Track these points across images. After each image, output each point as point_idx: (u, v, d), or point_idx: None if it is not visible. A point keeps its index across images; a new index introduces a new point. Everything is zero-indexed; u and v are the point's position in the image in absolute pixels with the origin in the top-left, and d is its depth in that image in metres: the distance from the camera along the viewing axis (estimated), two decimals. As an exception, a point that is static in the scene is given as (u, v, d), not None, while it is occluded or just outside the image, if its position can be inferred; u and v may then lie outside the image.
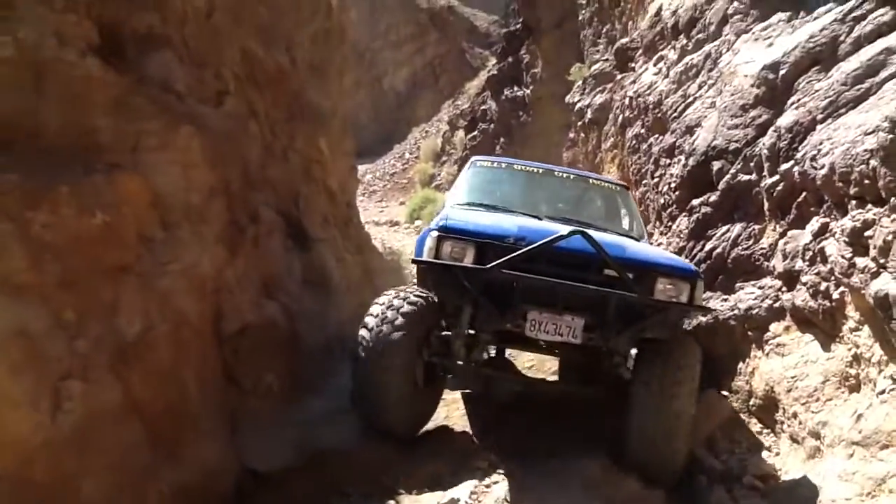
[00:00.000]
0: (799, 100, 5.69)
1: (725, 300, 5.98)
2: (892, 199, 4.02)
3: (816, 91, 5.51)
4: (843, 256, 4.52)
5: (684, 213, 6.95)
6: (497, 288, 4.63)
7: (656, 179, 8.10)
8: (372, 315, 4.81)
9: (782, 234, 5.52)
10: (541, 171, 6.58)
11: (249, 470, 4.27)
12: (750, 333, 5.72)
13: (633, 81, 10.12)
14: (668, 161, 7.76)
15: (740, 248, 6.03)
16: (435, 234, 4.70)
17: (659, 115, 8.40)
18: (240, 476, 4.17)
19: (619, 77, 11.29)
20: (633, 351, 5.23)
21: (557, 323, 4.58)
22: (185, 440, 3.78)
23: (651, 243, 6.30)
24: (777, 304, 5.53)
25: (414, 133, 32.43)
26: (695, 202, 6.74)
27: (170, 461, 3.60)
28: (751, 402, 5.63)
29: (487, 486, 4.41)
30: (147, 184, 3.81)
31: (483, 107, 23.48)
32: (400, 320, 4.68)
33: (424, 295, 4.98)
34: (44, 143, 3.38)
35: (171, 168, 4.11)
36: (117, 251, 3.43)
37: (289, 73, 7.25)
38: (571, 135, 14.17)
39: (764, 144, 5.86)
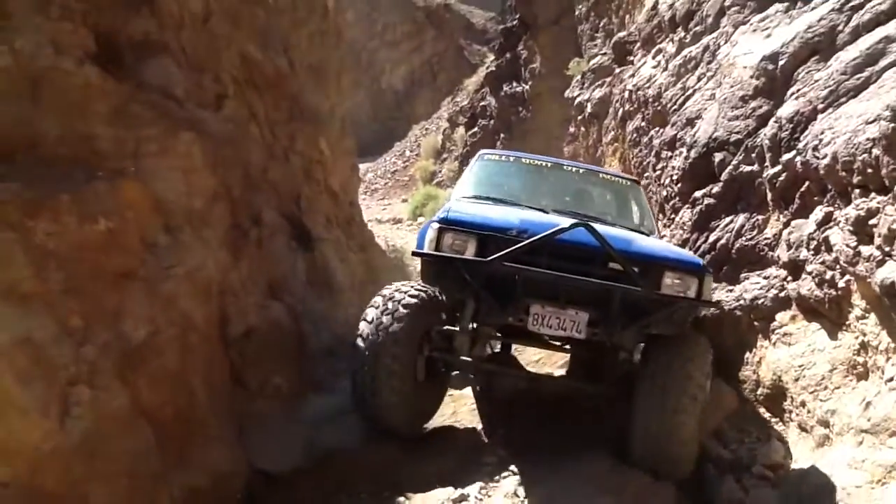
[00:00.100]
0: (799, 90, 5.68)
1: (731, 291, 5.96)
2: (896, 187, 4.01)
3: (816, 81, 5.49)
4: (847, 245, 4.51)
5: (687, 206, 6.94)
6: (499, 281, 4.53)
7: (658, 172, 8.09)
8: (372, 308, 4.75)
9: (786, 224, 5.51)
10: (549, 164, 6.48)
11: (259, 471, 4.28)
12: (756, 323, 5.71)
13: (632, 75, 10.12)
14: (669, 154, 7.75)
15: (744, 238, 6.01)
16: (436, 225, 4.61)
17: (659, 107, 8.39)
18: (249, 478, 4.17)
19: (617, 71, 11.29)
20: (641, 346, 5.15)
21: (561, 317, 4.51)
22: (193, 444, 3.78)
23: (661, 238, 6.16)
24: (783, 294, 5.52)
25: (414, 131, 32.49)
26: (697, 194, 6.72)
27: (179, 465, 3.61)
28: (758, 392, 5.63)
29: (497, 482, 4.42)
30: (148, 190, 3.81)
31: (482, 103, 23.50)
32: (400, 314, 4.63)
33: (425, 289, 4.92)
34: (43, 152, 3.39)
35: (171, 173, 4.12)
36: (121, 257, 3.43)
37: (287, 75, 7.25)
38: (571, 129, 14.16)
39: (765, 135, 5.85)
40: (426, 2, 36.85)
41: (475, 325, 4.91)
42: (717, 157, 6.46)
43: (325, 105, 9.21)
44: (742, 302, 5.80)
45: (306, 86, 8.10)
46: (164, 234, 3.88)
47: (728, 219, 6.27)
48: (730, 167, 6.30)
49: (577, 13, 15.33)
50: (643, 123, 9.14)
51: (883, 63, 4.92)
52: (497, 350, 6.20)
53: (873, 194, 4.34)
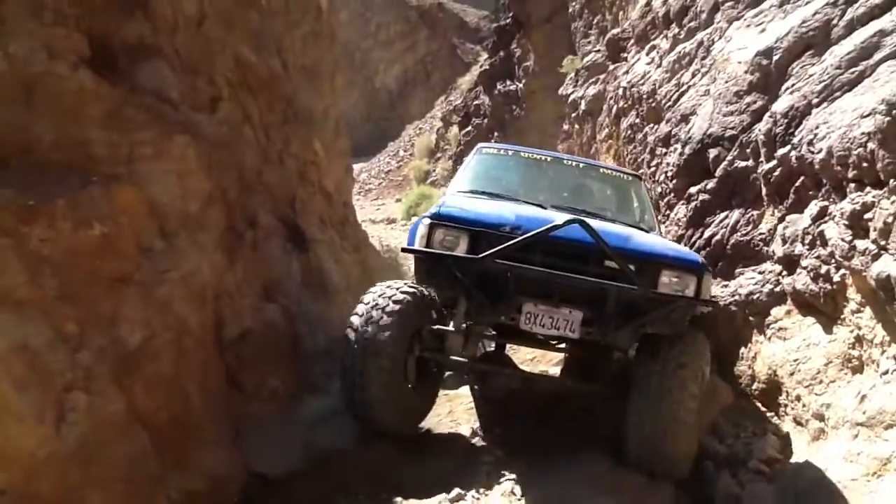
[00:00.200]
0: (793, 85, 5.69)
1: (726, 286, 5.98)
2: (892, 181, 4.02)
3: (811, 75, 5.51)
4: (843, 239, 4.52)
5: (682, 202, 6.96)
6: (492, 279, 4.42)
7: (653, 169, 8.11)
8: (358, 313, 4.64)
9: (781, 219, 5.52)
10: (549, 159, 6.37)
11: (256, 474, 4.27)
12: (751, 319, 5.73)
13: (626, 72, 10.14)
14: (664, 150, 7.77)
15: (739, 234, 6.03)
16: (427, 221, 4.51)
17: (653, 104, 8.41)
18: (246, 481, 4.17)
19: (611, 68, 11.31)
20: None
21: (554, 316, 4.41)
22: (190, 448, 3.78)
23: (662, 235, 6.06)
24: (778, 289, 5.54)
25: (408, 130, 32.48)
26: (692, 190, 6.74)
27: (176, 470, 3.61)
28: (753, 387, 5.65)
29: (494, 482, 4.41)
30: (143, 194, 3.81)
31: (476, 102, 23.50)
32: (387, 318, 4.52)
33: (416, 288, 4.82)
34: (38, 157, 3.38)
35: (166, 177, 4.11)
36: (116, 262, 3.43)
37: (281, 76, 7.23)
38: (566, 127, 14.18)
39: (760, 130, 5.86)
40: (419, 1, 36.81)
41: (467, 325, 4.80)
42: (712, 152, 6.47)
43: (319, 106, 9.20)
44: (737, 297, 5.82)
45: (300, 87, 8.08)
46: (159, 239, 3.87)
47: (723, 214, 6.29)
48: (724, 163, 6.31)
49: (570, 10, 15.34)
50: (637, 120, 9.16)
51: (877, 57, 4.93)
52: (491, 349, 6.10)
53: (868, 188, 4.35)
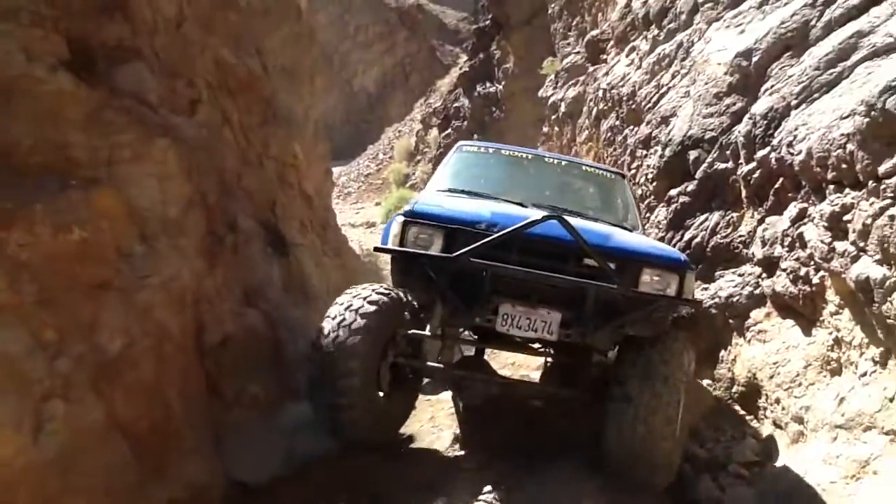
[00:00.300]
0: (773, 86, 5.74)
1: (706, 289, 6.01)
2: (871, 182, 4.05)
3: (790, 77, 5.55)
4: (822, 241, 4.55)
5: (662, 204, 6.99)
6: (468, 279, 4.24)
7: (633, 171, 8.15)
8: (329, 317, 4.49)
9: (760, 221, 5.56)
10: (530, 156, 6.23)
11: (237, 482, 4.23)
12: (731, 321, 5.76)
13: (606, 73, 10.18)
14: (644, 152, 7.81)
15: (719, 236, 6.07)
16: (401, 219, 4.36)
17: (633, 106, 8.45)
18: (227, 489, 4.12)
19: (591, 69, 11.36)
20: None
21: (531, 317, 4.25)
22: (170, 456, 3.73)
23: (646, 234, 5.98)
24: (757, 291, 5.58)
25: (387, 133, 32.44)
26: (672, 192, 6.77)
27: (156, 478, 3.56)
28: (733, 390, 5.68)
29: (475, 488, 4.37)
30: (123, 198, 3.75)
31: (456, 104, 23.53)
32: (359, 322, 4.37)
33: (390, 291, 4.68)
34: (15, 161, 3.32)
35: (146, 181, 4.05)
36: (96, 267, 3.37)
37: (261, 78, 7.18)
38: (545, 129, 14.22)
39: (739, 132, 5.90)
40: (398, 3, 36.78)
41: (443, 329, 4.63)
42: (692, 154, 6.51)
43: (298, 108, 9.15)
44: (717, 300, 5.85)
45: (280, 89, 8.03)
46: (139, 243, 3.81)
47: (703, 216, 6.33)
48: (704, 165, 6.35)
49: (549, 12, 15.40)
50: (617, 122, 9.20)
51: (855, 58, 4.98)
52: (469, 354, 5.85)
53: (847, 190, 4.38)
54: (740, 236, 5.89)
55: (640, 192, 7.78)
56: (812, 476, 4.27)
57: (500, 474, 4.53)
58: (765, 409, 5.26)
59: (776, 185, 5.36)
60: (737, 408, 5.66)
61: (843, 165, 4.37)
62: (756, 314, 5.55)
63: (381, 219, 19.83)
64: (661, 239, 6.73)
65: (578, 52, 12.68)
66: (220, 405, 4.58)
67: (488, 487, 4.35)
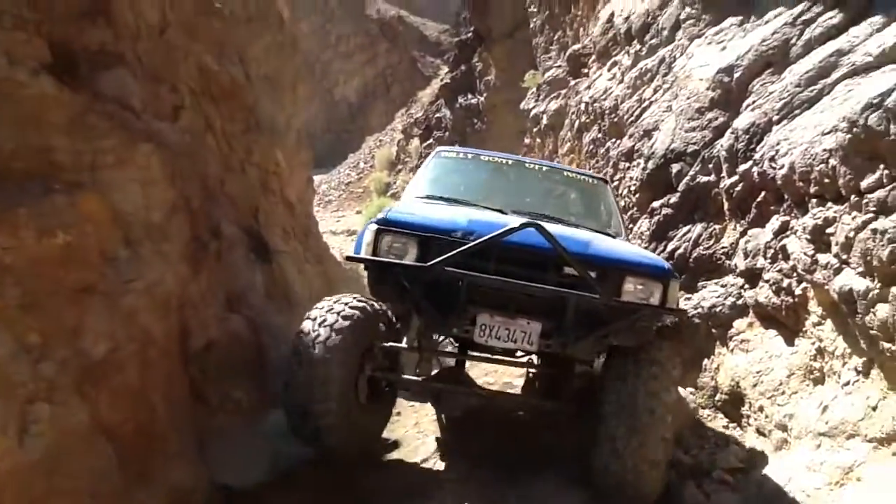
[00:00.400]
0: (754, 102, 5.82)
1: (689, 299, 6.05)
2: (853, 196, 4.12)
3: (771, 93, 5.64)
4: (805, 253, 4.61)
5: (645, 216, 7.04)
6: (444, 289, 4.08)
7: (616, 182, 8.20)
8: (304, 331, 4.30)
9: (743, 233, 5.62)
10: (510, 162, 6.02)
11: (221, 487, 4.19)
12: (714, 331, 5.81)
13: (588, 87, 10.27)
14: (627, 165, 7.87)
15: (701, 247, 6.12)
16: (374, 227, 4.20)
17: (615, 119, 8.52)
18: (212, 494, 4.08)
19: (573, 83, 11.44)
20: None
21: (511, 328, 4.09)
22: (154, 460, 3.69)
23: (630, 240, 5.83)
24: (740, 302, 5.62)
25: (368, 142, 32.50)
26: (655, 204, 6.82)
27: (140, 482, 3.51)
28: (716, 398, 5.72)
29: (460, 499, 4.35)
30: (107, 202, 3.71)
31: (437, 115, 23.61)
32: (335, 336, 4.18)
33: (366, 302, 4.49)
34: (-2, 165, 3.28)
35: (130, 186, 4.01)
36: (80, 271, 3.34)
37: (243, 85, 7.17)
38: (527, 141, 14.29)
39: (722, 146, 5.98)
40: (380, 14, 36.93)
41: (419, 341, 4.55)
42: (675, 167, 6.57)
43: (281, 116, 9.15)
44: (700, 310, 5.89)
45: (262, 97, 8.03)
46: (123, 248, 3.78)
47: (685, 228, 6.38)
48: (687, 178, 6.41)
49: (531, 26, 15.50)
50: (600, 135, 9.26)
51: (835, 75, 5.06)
52: (449, 365, 5.66)
53: (830, 203, 4.45)
54: (722, 248, 5.94)
55: (622, 203, 7.83)
56: (796, 483, 4.29)
57: (483, 486, 4.48)
58: (748, 416, 5.30)
59: (758, 199, 5.42)
60: (719, 416, 5.70)
61: (826, 180, 4.44)
62: (739, 324, 5.60)
63: (361, 227, 19.80)
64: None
65: (560, 66, 12.77)
66: (205, 410, 4.55)
67: (467, 486, 4.35)
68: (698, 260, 6.12)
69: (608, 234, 5.22)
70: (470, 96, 20.71)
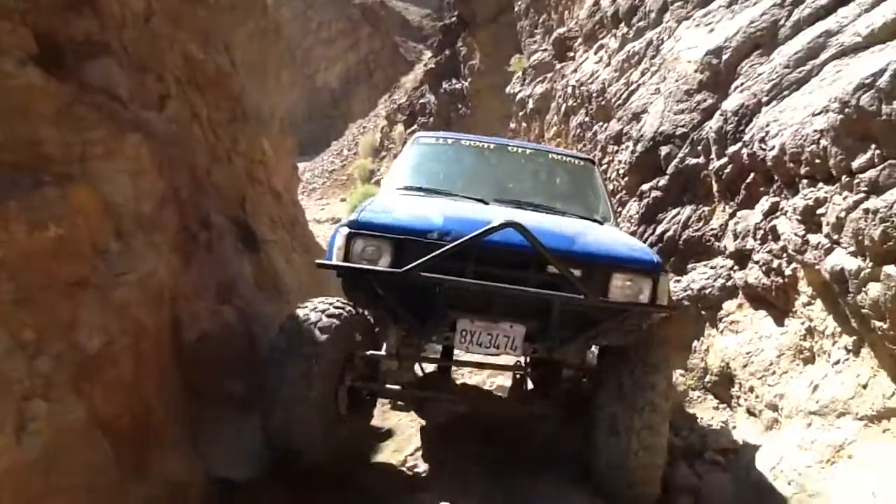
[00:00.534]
0: (743, 83, 5.83)
1: (678, 281, 6.10)
2: (844, 177, 4.14)
3: (760, 74, 5.65)
4: (796, 234, 4.64)
5: (634, 199, 7.06)
6: (422, 293, 3.88)
7: (605, 166, 8.21)
8: (278, 344, 4.08)
9: (732, 215, 5.65)
10: (492, 146, 5.74)
11: (217, 479, 4.18)
12: (703, 312, 5.85)
13: (575, 70, 10.26)
14: (615, 148, 7.88)
15: (691, 229, 6.15)
16: (345, 230, 3.99)
17: (603, 102, 8.52)
18: (207, 486, 4.07)
19: (559, 66, 11.42)
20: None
21: (493, 332, 3.87)
22: (150, 454, 3.67)
23: (618, 224, 5.63)
24: (730, 283, 5.67)
25: (351, 129, 32.38)
26: (644, 187, 6.84)
27: (137, 476, 3.50)
28: (706, 380, 5.77)
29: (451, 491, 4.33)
30: (98, 194, 3.67)
31: (422, 100, 23.55)
32: (316, 340, 3.97)
33: (345, 307, 4.23)
34: (-14, 158, 3.23)
35: (120, 177, 3.96)
36: (73, 264, 3.30)
37: (229, 73, 7.11)
38: (513, 125, 14.29)
39: (711, 128, 5.99)
40: (361, -1, 36.70)
41: (397, 349, 4.33)
42: (664, 150, 6.58)
43: (266, 104, 9.10)
44: (690, 292, 5.93)
45: (247, 85, 7.96)
46: (114, 240, 3.73)
47: (675, 211, 6.41)
48: (676, 160, 6.43)
49: (515, 10, 15.47)
50: (587, 118, 9.27)
51: (824, 56, 5.08)
52: (432, 369, 5.49)
53: (821, 184, 4.47)
54: (712, 230, 5.97)
55: (611, 187, 7.85)
56: (787, 462, 4.33)
57: (469, 482, 4.38)
58: (738, 397, 5.36)
59: (748, 180, 5.44)
60: (710, 397, 5.75)
61: (817, 160, 4.45)
62: (728, 305, 5.65)
63: (346, 215, 19.75)
64: (633, 233, 6.77)
65: (546, 50, 12.75)
66: (198, 402, 4.52)
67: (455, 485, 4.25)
68: (688, 242, 6.15)
69: (596, 221, 5.03)
70: (454, 81, 20.67)
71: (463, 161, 5.60)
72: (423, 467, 4.77)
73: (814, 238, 4.45)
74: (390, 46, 35.86)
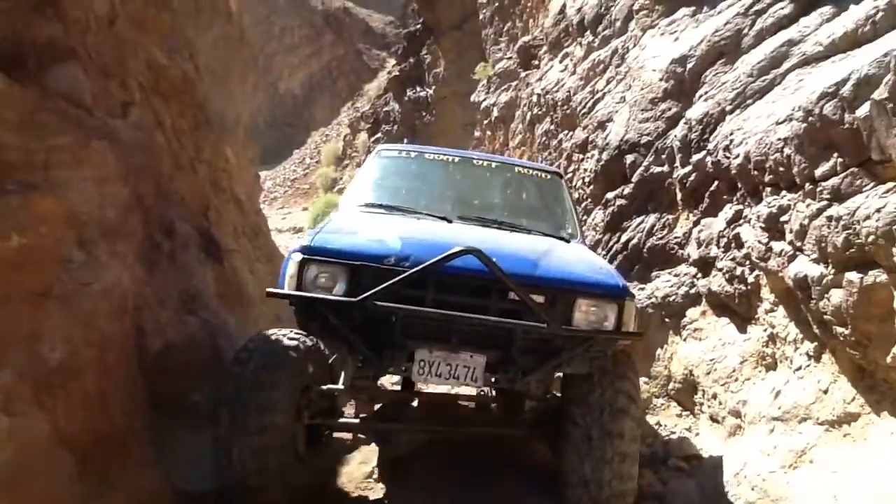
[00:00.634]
0: (707, 92, 5.91)
1: (642, 289, 6.14)
2: (807, 184, 4.20)
3: (724, 83, 5.73)
4: (759, 241, 4.70)
5: (599, 207, 7.11)
6: (379, 322, 3.74)
7: (570, 174, 8.27)
8: (233, 373, 3.89)
9: (696, 223, 5.71)
10: (457, 159, 5.58)
11: (181, 492, 4.11)
12: (667, 320, 5.91)
13: (540, 79, 10.31)
14: (581, 156, 7.93)
15: (655, 237, 6.21)
16: (298, 256, 3.79)
17: (568, 111, 8.57)
18: (172, 499, 4.01)
19: (523, 75, 11.48)
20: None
21: (452, 363, 3.72)
22: (115, 467, 3.60)
23: (585, 239, 5.46)
24: (693, 291, 5.73)
25: (314, 137, 32.23)
26: (609, 195, 6.90)
27: (101, 491, 3.42)
28: (670, 387, 5.82)
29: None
30: (62, 202, 3.60)
31: (386, 108, 23.54)
32: (269, 376, 3.81)
33: (300, 338, 4.10)
34: (-53, 165, 3.16)
35: (84, 184, 3.89)
36: (36, 275, 3.23)
37: (193, 80, 7.03)
38: (477, 133, 14.34)
39: (675, 136, 6.06)
40: (324, 5, 36.52)
41: (354, 382, 4.19)
42: (629, 158, 6.64)
43: (230, 111, 9.02)
44: (653, 300, 5.99)
45: (211, 91, 7.89)
46: (77, 249, 3.66)
47: (639, 219, 6.46)
48: (641, 168, 6.49)
49: (480, 18, 15.52)
50: (552, 127, 9.31)
51: (786, 65, 5.16)
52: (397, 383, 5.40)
53: (784, 192, 4.54)
54: (676, 238, 6.03)
55: (577, 195, 7.89)
56: (751, 467, 4.39)
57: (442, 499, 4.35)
58: (701, 404, 5.41)
59: (711, 188, 5.51)
60: (673, 404, 5.79)
61: (781, 168, 4.52)
62: (692, 313, 5.70)
63: (308, 224, 19.65)
64: (598, 241, 6.83)
65: (510, 58, 12.82)
66: (162, 413, 4.44)
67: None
68: (652, 250, 6.21)
69: (562, 238, 4.93)
70: (419, 89, 20.68)
71: (426, 176, 5.45)
72: (382, 486, 4.71)
73: (777, 245, 4.51)
74: (353, 53, 35.78)
